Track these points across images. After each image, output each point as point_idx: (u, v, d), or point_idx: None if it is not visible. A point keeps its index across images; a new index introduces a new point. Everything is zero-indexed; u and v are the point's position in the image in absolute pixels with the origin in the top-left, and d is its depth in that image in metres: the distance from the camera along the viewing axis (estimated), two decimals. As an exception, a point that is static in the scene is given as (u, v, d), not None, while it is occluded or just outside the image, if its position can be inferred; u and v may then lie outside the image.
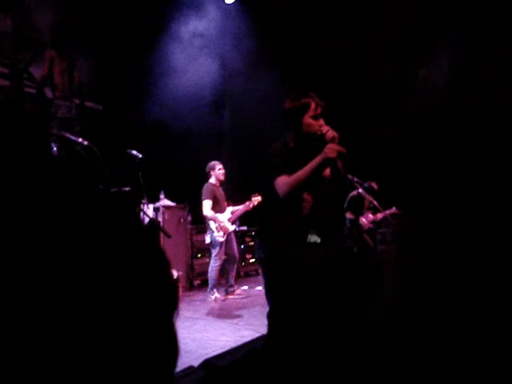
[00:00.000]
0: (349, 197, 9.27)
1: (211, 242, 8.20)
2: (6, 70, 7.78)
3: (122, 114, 9.10)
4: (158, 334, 0.63)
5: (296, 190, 3.61)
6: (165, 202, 9.23)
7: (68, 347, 0.54)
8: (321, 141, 3.65)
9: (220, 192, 8.27)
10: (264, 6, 10.42)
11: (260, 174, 3.94)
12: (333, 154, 3.49)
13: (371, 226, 9.38)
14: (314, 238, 4.17)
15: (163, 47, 9.76)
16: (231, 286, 8.38)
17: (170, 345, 0.67)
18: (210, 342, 5.20)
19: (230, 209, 8.32)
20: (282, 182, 3.61)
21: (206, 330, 5.96)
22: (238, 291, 8.41)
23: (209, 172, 8.24)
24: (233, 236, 8.36)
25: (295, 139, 3.79)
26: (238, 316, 6.88)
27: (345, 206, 9.23)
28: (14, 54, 7.82)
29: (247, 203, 8.40)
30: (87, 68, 8.25)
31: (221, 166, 8.27)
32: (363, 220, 9.22)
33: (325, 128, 3.66)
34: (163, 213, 8.89)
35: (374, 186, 9.28)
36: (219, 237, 8.08)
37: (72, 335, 0.54)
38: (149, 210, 8.37)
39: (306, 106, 3.70)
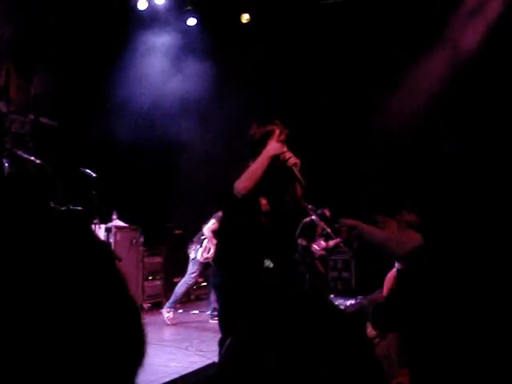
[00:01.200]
0: (301, 223, 9.31)
1: (195, 258, 8.17)
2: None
3: (77, 131, 8.98)
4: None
5: (252, 184, 3.63)
6: (117, 222, 9.10)
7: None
8: (283, 167, 3.72)
9: None
10: (226, 28, 10.52)
11: (220, 198, 3.96)
12: (279, 151, 3.66)
13: (323, 253, 9.46)
14: (267, 263, 4.19)
15: (121, 62, 9.70)
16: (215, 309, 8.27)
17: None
18: (159, 368, 5.11)
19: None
20: (238, 181, 3.64)
21: (156, 355, 5.86)
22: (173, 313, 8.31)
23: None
24: None
25: None
26: (188, 341, 6.79)
27: (297, 232, 9.27)
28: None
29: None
30: (43, 82, 8.13)
31: None
32: (315, 247, 9.29)
33: (288, 154, 3.72)
34: (115, 233, 8.75)
35: (327, 212, 9.38)
36: (199, 256, 8.09)
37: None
38: (100, 230, 8.22)
39: (271, 133, 3.76)
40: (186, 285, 8.12)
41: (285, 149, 3.76)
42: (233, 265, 3.85)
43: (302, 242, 9.23)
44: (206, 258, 8.01)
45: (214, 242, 7.90)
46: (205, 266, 8.11)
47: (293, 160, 3.72)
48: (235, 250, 3.90)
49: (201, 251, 8.08)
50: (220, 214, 7.88)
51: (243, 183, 3.64)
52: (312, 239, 9.32)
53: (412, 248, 2.21)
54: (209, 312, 8.28)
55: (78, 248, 0.63)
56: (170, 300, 8.07)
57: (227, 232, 4.02)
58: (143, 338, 0.66)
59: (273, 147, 3.69)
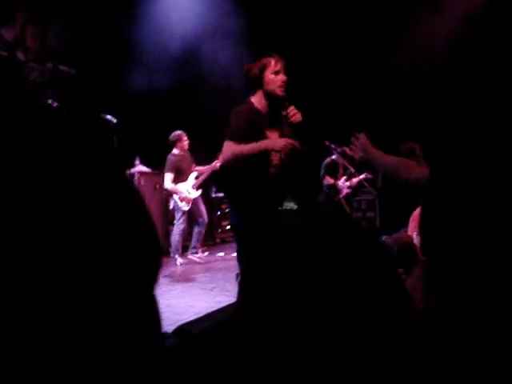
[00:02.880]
0: (324, 163, 9.26)
1: (173, 207, 8.41)
2: (-25, 32, 7.58)
3: (96, 78, 8.94)
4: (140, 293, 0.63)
5: (236, 161, 3.76)
6: (140, 167, 9.15)
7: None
8: (283, 105, 3.86)
9: (185, 161, 8.31)
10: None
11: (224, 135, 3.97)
12: (279, 148, 3.75)
13: (349, 191, 9.42)
14: (291, 205, 4.19)
15: (139, 8, 9.57)
16: (194, 247, 8.55)
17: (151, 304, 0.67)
18: (185, 308, 5.22)
19: (193, 175, 8.31)
20: (228, 147, 3.75)
21: (182, 297, 5.98)
22: (200, 255, 8.47)
23: (174, 142, 8.28)
24: (199, 200, 8.40)
25: (261, 98, 3.92)
26: (214, 282, 6.91)
27: (321, 172, 9.23)
28: (-16, 14, 7.60)
29: (214, 163, 8.34)
30: (62, 31, 8.05)
31: (186, 137, 8.32)
32: (341, 184, 9.24)
33: (290, 108, 3.85)
34: (138, 179, 8.83)
35: (347, 150, 9.28)
36: (183, 206, 8.22)
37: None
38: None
39: (266, 64, 3.86)
40: (177, 233, 8.32)
41: (283, 77, 3.85)
42: (246, 206, 3.90)
43: (327, 181, 9.19)
44: (188, 204, 8.28)
45: (182, 189, 8.20)
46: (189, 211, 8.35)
47: (298, 117, 3.84)
48: (248, 189, 3.92)
49: (179, 204, 8.27)
50: (169, 158, 8.17)
51: (228, 156, 3.75)
52: (335, 178, 9.28)
53: (418, 175, 2.16)
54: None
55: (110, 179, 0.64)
56: (172, 250, 8.36)
57: (236, 173, 4.02)
58: (159, 252, 0.69)
59: (274, 142, 3.79)
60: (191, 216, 8.43)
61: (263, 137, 3.86)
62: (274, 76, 3.86)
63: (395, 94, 10.02)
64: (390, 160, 2.50)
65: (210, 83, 10.83)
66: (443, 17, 9.14)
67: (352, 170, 9.15)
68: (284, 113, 3.89)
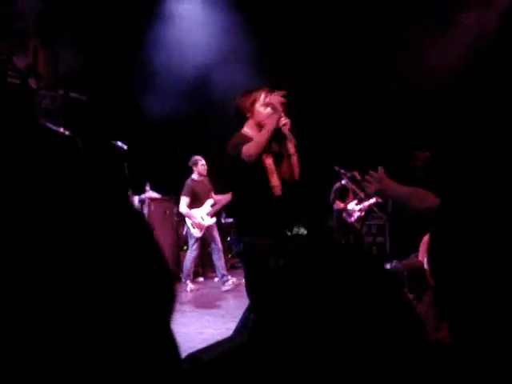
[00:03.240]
0: (333, 188, 9.29)
1: (186, 233, 8.42)
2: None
3: (106, 104, 9.03)
4: (156, 327, 0.63)
5: (261, 148, 3.86)
6: (150, 193, 9.18)
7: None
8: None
9: (203, 186, 8.30)
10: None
11: (227, 167, 4.11)
12: (277, 104, 3.89)
13: (360, 214, 9.42)
14: (301, 230, 4.22)
15: (150, 34, 9.69)
16: (223, 276, 8.32)
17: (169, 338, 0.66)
18: (195, 335, 5.19)
19: (209, 202, 8.31)
20: (247, 147, 3.86)
21: (192, 323, 5.95)
22: (231, 280, 8.33)
23: (191, 167, 8.32)
24: (213, 227, 8.37)
25: (252, 128, 4.06)
26: (224, 308, 6.87)
27: (331, 197, 9.25)
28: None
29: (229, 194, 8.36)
30: (72, 58, 8.16)
31: (203, 162, 8.36)
32: (351, 209, 9.25)
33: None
34: (149, 204, 8.85)
35: (357, 175, 9.31)
36: (195, 232, 8.20)
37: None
38: (134, 201, 8.34)
39: (257, 97, 4.02)
40: (190, 259, 8.29)
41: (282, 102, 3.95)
42: (251, 233, 3.95)
43: (337, 205, 9.20)
44: (201, 230, 8.26)
45: (196, 215, 8.18)
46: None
47: (283, 120, 3.95)
48: (251, 219, 3.99)
49: (192, 230, 8.25)
50: (187, 182, 8.18)
51: (254, 149, 3.84)
52: (344, 203, 9.30)
53: (431, 204, 2.18)
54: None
55: (116, 215, 0.64)
56: (184, 275, 8.31)
57: (240, 200, 4.15)
58: (170, 280, 0.68)
59: (274, 99, 3.92)
60: (204, 242, 8.43)
61: (260, 163, 3.96)
62: (264, 108, 4.00)
63: (403, 113, 10.04)
64: (404, 191, 2.53)
65: (222, 109, 10.89)
66: (451, 40, 9.20)
67: (362, 194, 9.14)
68: (275, 147, 4.07)
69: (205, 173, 8.35)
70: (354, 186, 9.13)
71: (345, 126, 10.81)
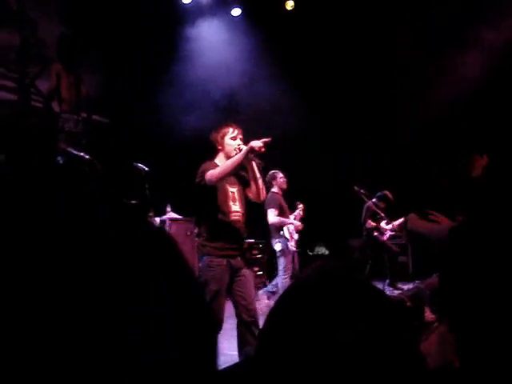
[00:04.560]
0: (365, 207, 9.28)
1: (282, 250, 7.84)
2: (13, 85, 7.82)
3: (128, 127, 9.13)
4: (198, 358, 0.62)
5: (224, 176, 4.40)
6: (171, 214, 9.21)
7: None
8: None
9: (284, 200, 8.11)
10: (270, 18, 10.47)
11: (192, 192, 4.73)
12: (255, 146, 4.27)
13: (392, 233, 9.40)
14: (322, 250, 4.30)
15: (170, 59, 9.80)
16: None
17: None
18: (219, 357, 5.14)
19: (292, 216, 8.15)
20: (212, 172, 4.40)
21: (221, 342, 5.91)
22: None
23: (270, 182, 7.96)
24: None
25: (222, 158, 4.61)
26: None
27: (362, 216, 9.23)
28: (21, 68, 7.85)
29: (296, 213, 8.26)
30: (94, 81, 8.28)
31: (282, 175, 8.09)
32: (383, 227, 9.23)
33: (241, 146, 4.51)
34: (169, 226, 8.87)
35: (388, 194, 9.30)
36: (291, 246, 7.84)
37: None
38: (155, 222, 8.35)
39: (225, 131, 4.62)
40: (285, 281, 7.65)
41: (239, 142, 4.56)
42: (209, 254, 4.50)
43: (369, 224, 9.15)
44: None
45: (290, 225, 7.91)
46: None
47: (262, 149, 4.36)
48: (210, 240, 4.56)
49: (289, 243, 7.81)
50: (271, 195, 7.86)
51: (217, 174, 4.36)
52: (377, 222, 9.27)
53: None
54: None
55: (138, 236, 0.64)
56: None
57: (202, 223, 4.89)
58: (209, 317, 0.67)
59: (253, 143, 4.30)
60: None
61: (224, 190, 4.53)
62: (232, 141, 4.58)
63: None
64: (424, 226, 2.63)
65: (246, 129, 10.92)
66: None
67: (383, 215, 9.11)
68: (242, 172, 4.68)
69: (285, 186, 8.05)
70: (376, 209, 9.10)
71: (361, 145, 10.81)
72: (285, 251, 7.78)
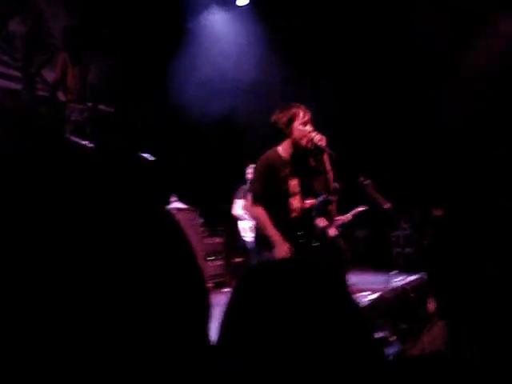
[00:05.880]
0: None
1: (243, 241, 8.17)
2: (19, 74, 7.82)
3: (134, 116, 9.13)
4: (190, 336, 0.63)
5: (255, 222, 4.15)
6: (176, 204, 9.23)
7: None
8: (312, 148, 4.04)
9: None
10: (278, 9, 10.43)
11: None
12: (281, 255, 3.85)
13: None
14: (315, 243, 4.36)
15: (177, 49, 9.78)
16: None
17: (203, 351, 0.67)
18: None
19: None
20: (252, 210, 4.09)
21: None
22: None
23: (249, 175, 8.04)
24: None
25: (288, 147, 4.09)
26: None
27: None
28: (27, 57, 7.86)
29: None
30: (100, 71, 8.28)
31: None
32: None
33: (313, 133, 3.99)
34: (175, 215, 8.89)
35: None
36: (249, 236, 7.96)
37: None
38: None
39: (295, 114, 4.01)
40: None
41: (310, 128, 4.02)
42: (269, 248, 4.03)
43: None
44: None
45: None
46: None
47: (318, 137, 3.98)
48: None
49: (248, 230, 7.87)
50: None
51: (251, 217, 4.20)
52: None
53: None
54: None
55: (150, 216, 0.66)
56: None
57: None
58: (207, 296, 0.70)
59: (280, 251, 3.90)
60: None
61: (285, 185, 4.09)
62: (303, 127, 4.00)
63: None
64: None
65: (251, 120, 10.90)
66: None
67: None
68: (313, 162, 4.15)
69: None
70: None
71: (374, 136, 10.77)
72: (244, 241, 8.06)
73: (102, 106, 7.78)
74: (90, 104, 7.49)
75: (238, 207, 7.90)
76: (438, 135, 10.02)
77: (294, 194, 4.16)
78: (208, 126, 10.15)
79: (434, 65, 9.91)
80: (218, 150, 10.52)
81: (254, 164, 7.99)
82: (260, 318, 0.81)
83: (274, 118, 4.09)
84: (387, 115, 10.76)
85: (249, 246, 7.95)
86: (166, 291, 0.61)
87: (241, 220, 8.00)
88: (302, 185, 4.18)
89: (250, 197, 4.17)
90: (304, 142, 4.00)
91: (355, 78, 10.82)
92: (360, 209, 8.54)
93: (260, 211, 4.00)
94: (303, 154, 4.10)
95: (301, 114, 4.00)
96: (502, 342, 0.99)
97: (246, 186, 7.97)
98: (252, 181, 4.24)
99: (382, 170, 9.63)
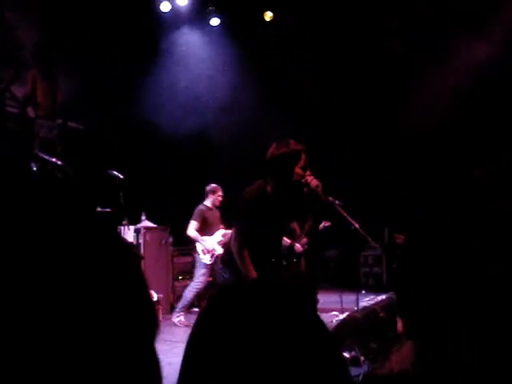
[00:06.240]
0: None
1: (195, 263, 8.12)
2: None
3: (104, 134, 9.07)
4: (138, 356, 0.63)
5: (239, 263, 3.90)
6: (146, 223, 9.17)
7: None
8: (305, 188, 3.86)
9: (213, 215, 8.12)
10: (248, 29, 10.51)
11: (234, 210, 4.22)
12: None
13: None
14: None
15: (147, 65, 9.77)
16: None
17: (150, 366, 0.67)
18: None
19: (220, 232, 8.11)
20: (236, 246, 3.90)
21: (179, 355, 5.87)
22: None
23: (207, 194, 8.08)
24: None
25: (278, 185, 3.88)
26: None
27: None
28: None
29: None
30: (70, 88, 8.22)
31: (221, 193, 8.10)
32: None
33: (309, 177, 3.82)
34: (144, 234, 8.82)
35: None
36: (206, 259, 7.94)
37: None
38: (130, 231, 8.29)
39: (298, 157, 3.77)
40: (193, 290, 8.02)
41: (308, 173, 3.85)
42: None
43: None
44: (212, 257, 7.91)
45: (207, 241, 7.90)
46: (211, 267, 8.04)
47: (315, 182, 3.83)
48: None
49: (201, 257, 7.98)
50: (199, 208, 7.89)
51: (236, 255, 3.88)
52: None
53: None
54: None
55: (102, 247, 0.64)
56: (179, 306, 8.08)
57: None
58: (155, 325, 0.68)
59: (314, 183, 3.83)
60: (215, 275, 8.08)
61: (268, 225, 3.94)
62: (302, 171, 3.81)
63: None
64: None
65: (223, 140, 10.88)
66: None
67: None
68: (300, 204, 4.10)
69: (218, 204, 8.12)
70: None
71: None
72: (198, 264, 8.04)
73: (72, 124, 7.71)
74: (59, 121, 7.42)
75: (192, 229, 7.87)
76: (415, 144, 10.11)
77: (277, 234, 4.14)
78: (180, 144, 10.13)
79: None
80: (190, 168, 10.50)
81: (215, 184, 8.12)
82: (226, 340, 0.81)
83: (273, 153, 3.84)
84: (361, 133, 10.87)
85: (205, 268, 7.97)
86: (112, 309, 0.61)
87: (197, 242, 7.97)
88: (285, 225, 4.18)
89: (235, 234, 4.03)
90: (301, 186, 3.84)
91: (329, 96, 10.93)
92: (325, 224, 8.48)
93: (246, 256, 3.88)
94: (292, 196, 3.95)
95: (303, 157, 3.79)
96: (503, 344, 1.00)
97: (203, 207, 7.97)
98: (238, 216, 4.08)
99: (353, 190, 9.70)
